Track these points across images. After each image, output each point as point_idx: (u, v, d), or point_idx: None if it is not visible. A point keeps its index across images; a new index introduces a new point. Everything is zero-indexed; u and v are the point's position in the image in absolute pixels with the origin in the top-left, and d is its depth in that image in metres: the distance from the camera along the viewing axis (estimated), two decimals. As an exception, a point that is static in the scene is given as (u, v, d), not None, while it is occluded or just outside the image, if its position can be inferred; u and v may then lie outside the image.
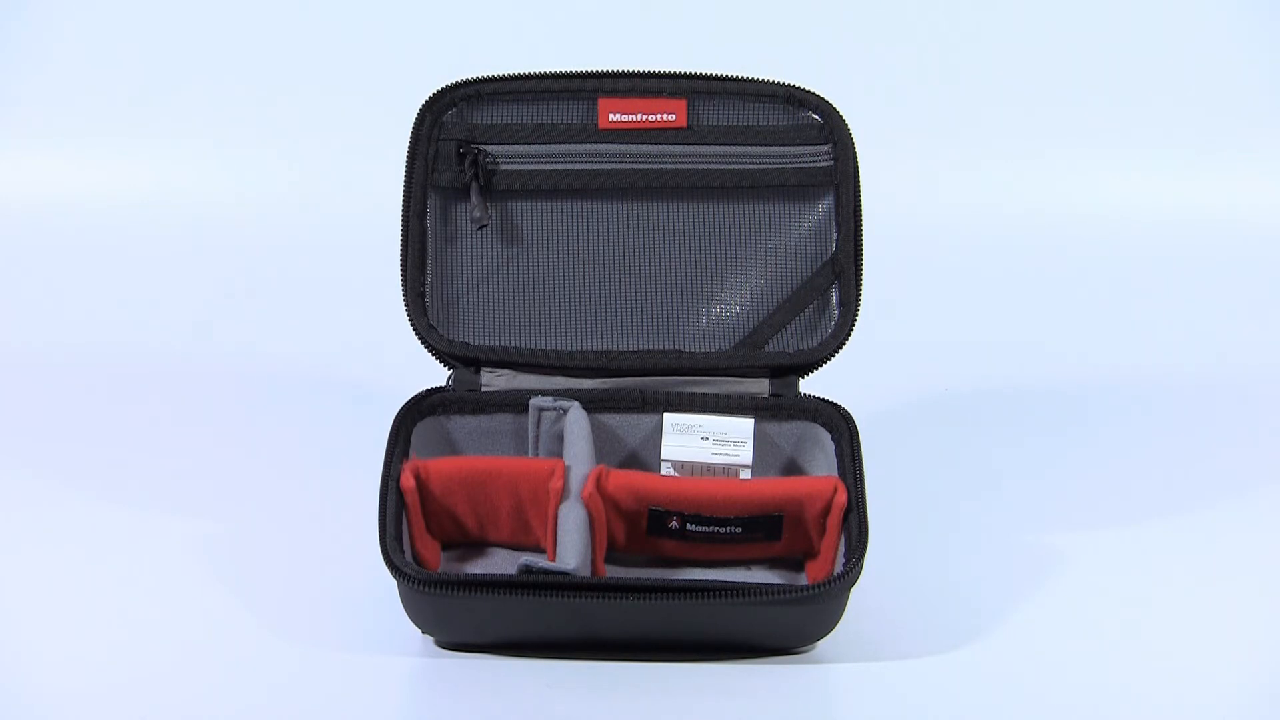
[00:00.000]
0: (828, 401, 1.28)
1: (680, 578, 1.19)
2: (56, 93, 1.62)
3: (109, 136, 1.62)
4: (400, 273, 1.29)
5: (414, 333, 1.29)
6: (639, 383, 1.30)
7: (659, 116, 1.29)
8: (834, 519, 1.20)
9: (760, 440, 1.28)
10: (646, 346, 1.30)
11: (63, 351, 1.52)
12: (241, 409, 1.46)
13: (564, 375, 1.30)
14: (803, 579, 1.24)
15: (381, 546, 1.14)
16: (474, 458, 1.26)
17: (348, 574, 1.23)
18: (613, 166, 1.29)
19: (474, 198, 1.28)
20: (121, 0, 1.68)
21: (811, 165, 1.29)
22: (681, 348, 1.30)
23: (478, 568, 1.25)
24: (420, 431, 1.26)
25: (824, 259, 1.30)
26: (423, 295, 1.29)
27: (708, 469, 1.26)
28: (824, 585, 1.13)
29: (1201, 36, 1.64)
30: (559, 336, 1.30)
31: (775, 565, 1.26)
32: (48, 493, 1.34)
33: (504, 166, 1.29)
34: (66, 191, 1.61)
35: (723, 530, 1.22)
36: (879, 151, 1.34)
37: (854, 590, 1.15)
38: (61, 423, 1.44)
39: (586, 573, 1.17)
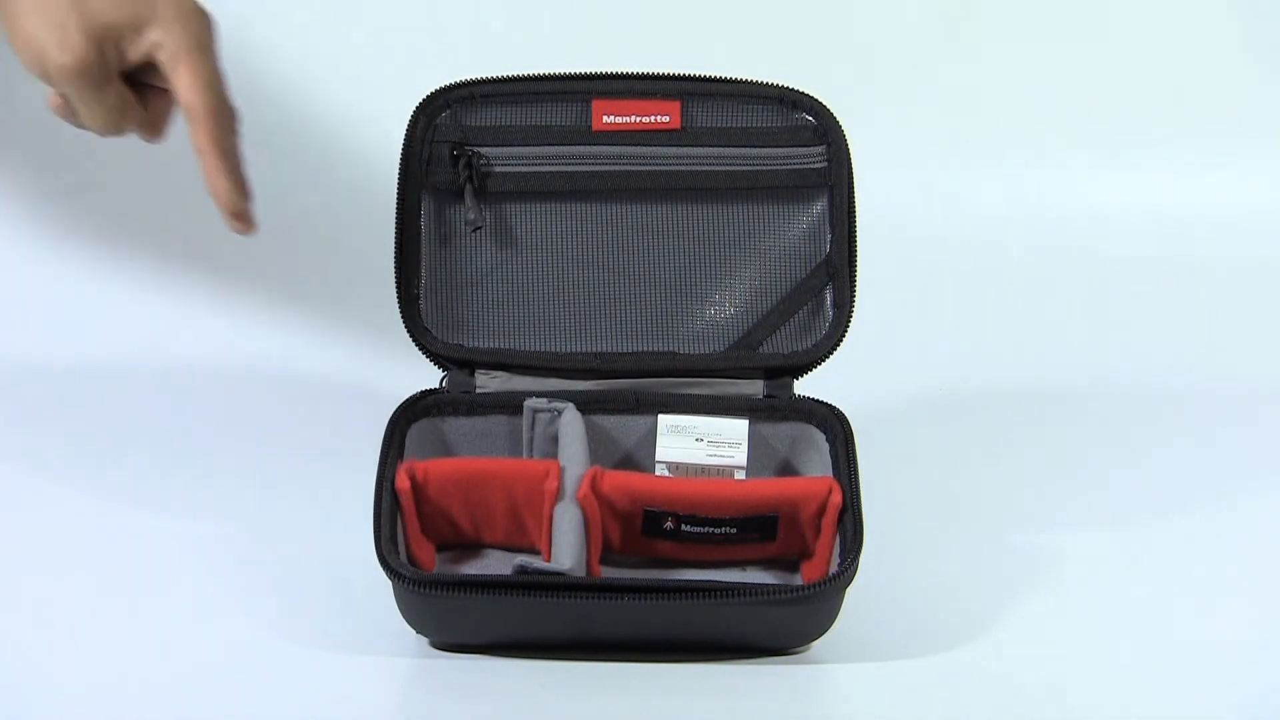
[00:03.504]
0: (822, 402, 1.28)
1: (675, 578, 1.20)
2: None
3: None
4: (394, 275, 1.29)
5: (408, 335, 1.29)
6: (633, 384, 1.30)
7: (653, 118, 1.29)
8: (829, 519, 1.20)
9: (755, 441, 1.28)
10: (641, 348, 1.30)
11: (59, 352, 1.52)
12: (235, 410, 1.46)
13: (558, 377, 1.30)
14: (798, 579, 1.24)
15: (376, 548, 1.14)
16: (469, 459, 1.26)
17: (342, 575, 1.23)
18: (607, 168, 1.29)
19: (468, 200, 1.28)
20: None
21: (805, 167, 1.29)
22: (676, 349, 1.30)
23: (473, 569, 1.25)
24: (415, 433, 1.26)
25: (818, 260, 1.30)
26: (417, 297, 1.29)
27: (702, 470, 1.26)
28: (819, 585, 1.13)
29: (1202, 33, 1.64)
30: (553, 338, 1.30)
31: (770, 566, 1.26)
32: (44, 492, 1.34)
33: (498, 168, 1.29)
34: (62, 191, 1.60)
35: (718, 531, 1.22)
36: (873, 153, 1.34)
37: (849, 591, 1.15)
38: (58, 423, 1.44)
39: (582, 573, 1.17)
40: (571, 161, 1.29)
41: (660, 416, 1.28)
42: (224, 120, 1.15)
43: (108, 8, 1.12)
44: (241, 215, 1.16)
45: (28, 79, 1.61)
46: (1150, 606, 1.24)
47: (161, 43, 1.13)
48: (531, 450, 1.28)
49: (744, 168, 1.29)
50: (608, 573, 1.24)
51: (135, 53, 1.14)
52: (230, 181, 1.15)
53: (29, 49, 1.13)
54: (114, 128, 1.16)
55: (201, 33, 1.15)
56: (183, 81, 1.14)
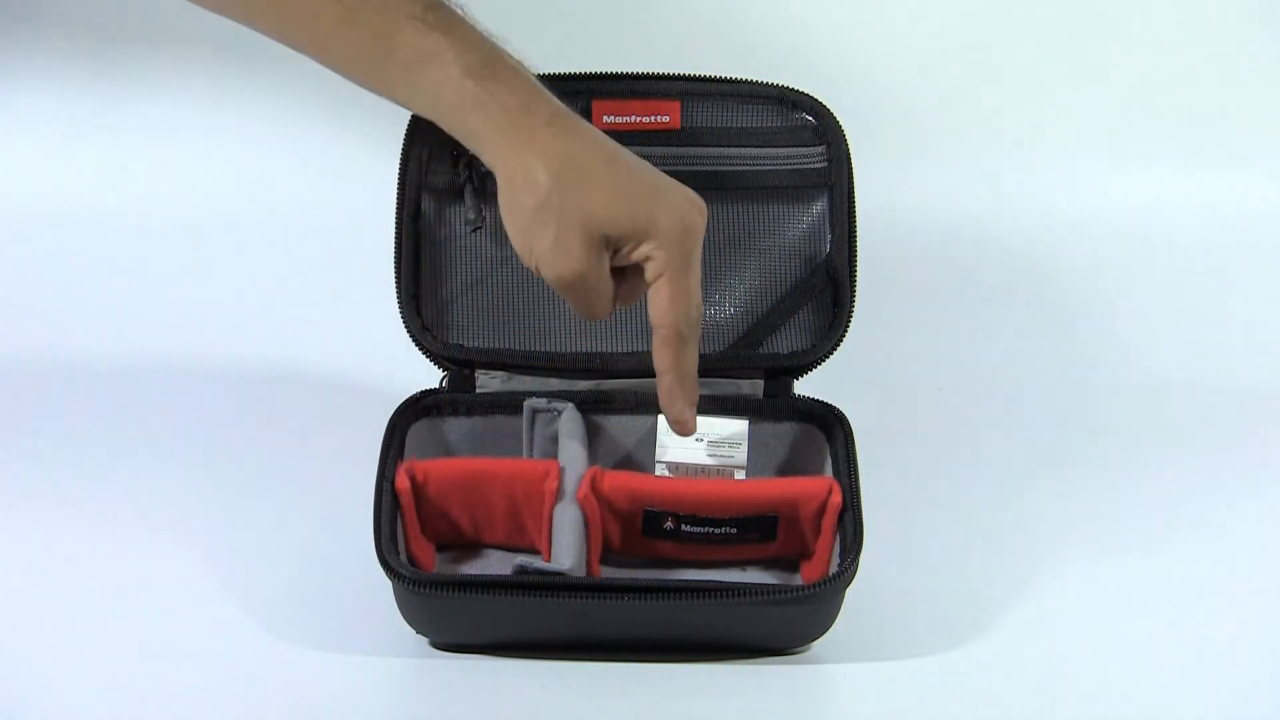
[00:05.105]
0: (822, 402, 1.28)
1: (675, 578, 1.20)
2: (49, 89, 1.62)
3: (103, 134, 1.62)
4: (394, 275, 1.29)
5: (408, 335, 1.29)
6: (633, 384, 1.30)
7: (653, 118, 1.29)
8: (829, 520, 1.20)
9: (755, 441, 1.28)
10: (641, 348, 1.30)
11: (58, 355, 1.52)
12: (234, 410, 1.46)
13: (558, 377, 1.30)
14: (798, 579, 1.24)
15: (377, 548, 1.14)
16: (469, 459, 1.26)
17: (342, 575, 1.23)
18: (607, 168, 1.29)
19: (468, 200, 1.28)
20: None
21: (805, 167, 1.29)
22: (676, 349, 1.30)
23: (473, 569, 1.25)
24: (415, 433, 1.26)
25: (818, 260, 1.30)
26: (416, 298, 1.29)
27: (702, 470, 1.26)
28: (819, 585, 1.13)
29: (1207, 31, 1.64)
30: (553, 338, 1.30)
31: (770, 566, 1.26)
32: (44, 492, 1.33)
33: (498, 168, 1.29)
34: (61, 192, 1.60)
35: (718, 531, 1.22)
36: (873, 153, 1.34)
37: (849, 591, 1.15)
38: (58, 424, 1.44)
39: (582, 573, 1.17)
40: (572, 161, 1.29)
41: (660, 416, 1.28)
42: (690, 340, 1.14)
43: (611, 220, 1.11)
44: (685, 426, 1.18)
45: (24, 73, 1.61)
46: (1150, 606, 1.24)
47: (653, 256, 1.12)
48: (531, 450, 1.28)
49: (744, 168, 1.29)
50: (608, 573, 1.24)
51: (626, 260, 1.13)
52: (685, 403, 1.16)
53: (525, 247, 1.12)
54: (596, 316, 1.15)
55: (693, 248, 1.13)
56: (661, 298, 1.13)
